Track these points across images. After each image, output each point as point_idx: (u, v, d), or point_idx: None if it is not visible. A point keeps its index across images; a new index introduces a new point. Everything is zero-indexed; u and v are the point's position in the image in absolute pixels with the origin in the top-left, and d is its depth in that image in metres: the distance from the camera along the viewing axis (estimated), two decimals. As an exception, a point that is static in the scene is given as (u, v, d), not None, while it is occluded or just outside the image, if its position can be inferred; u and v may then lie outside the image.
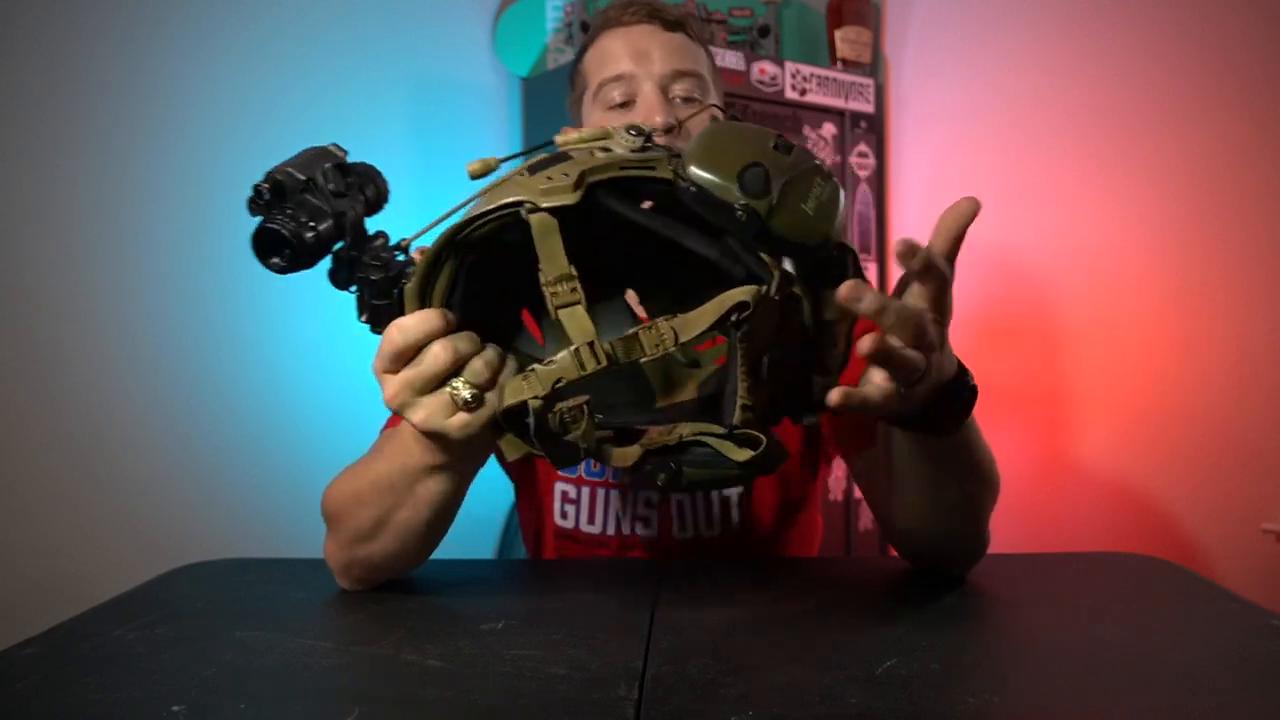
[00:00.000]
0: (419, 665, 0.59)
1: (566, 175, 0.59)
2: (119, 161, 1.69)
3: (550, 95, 2.08)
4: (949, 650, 0.60)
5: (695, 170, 0.56)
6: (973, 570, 0.80)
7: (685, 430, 0.63)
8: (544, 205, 0.58)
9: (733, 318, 0.56)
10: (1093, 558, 0.90)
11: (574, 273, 0.58)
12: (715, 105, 0.96)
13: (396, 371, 0.62)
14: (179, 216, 1.72)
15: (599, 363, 0.56)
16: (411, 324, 0.61)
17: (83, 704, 0.54)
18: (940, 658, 0.59)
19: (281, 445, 1.83)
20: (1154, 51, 1.82)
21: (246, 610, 0.72)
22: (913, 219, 2.33)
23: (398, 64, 2.05)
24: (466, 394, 0.61)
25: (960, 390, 0.64)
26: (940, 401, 0.63)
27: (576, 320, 0.57)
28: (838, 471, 2.17)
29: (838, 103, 2.25)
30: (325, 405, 1.82)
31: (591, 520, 0.98)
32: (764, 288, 0.57)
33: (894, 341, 0.55)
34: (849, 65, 2.30)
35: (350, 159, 0.68)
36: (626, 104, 0.93)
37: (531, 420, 0.57)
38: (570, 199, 0.58)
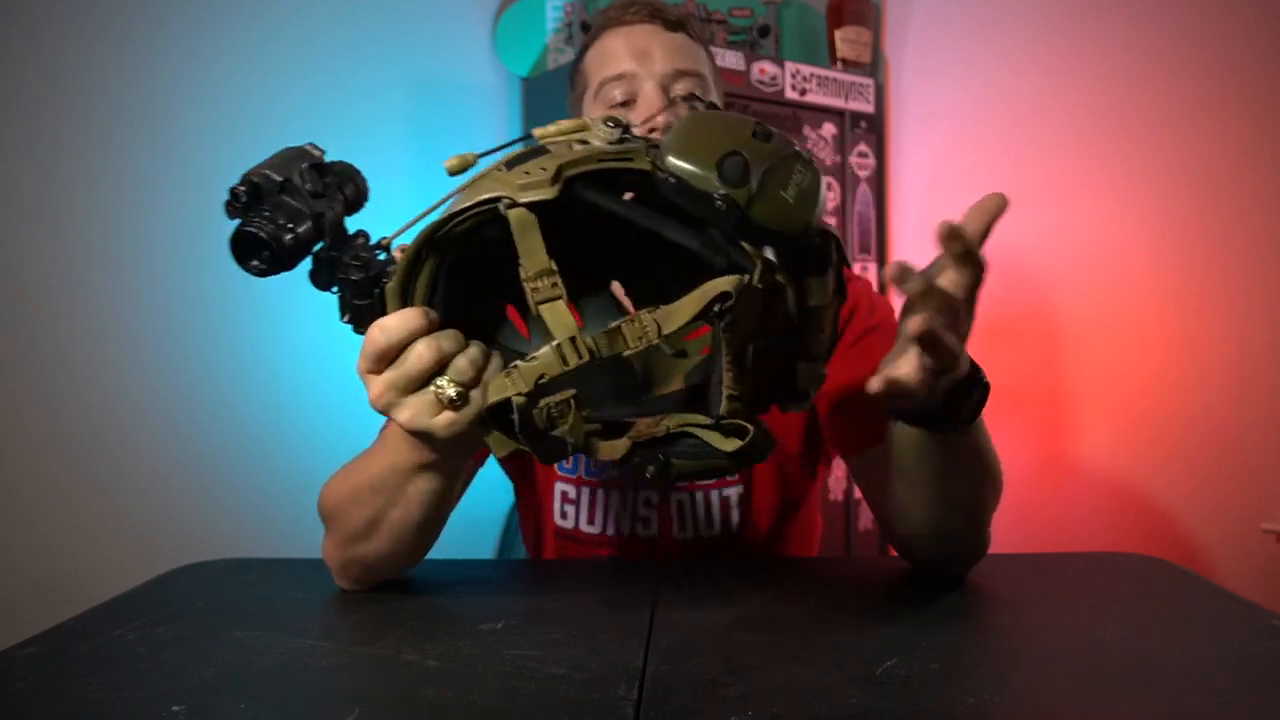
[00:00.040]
0: (419, 665, 0.59)
1: (544, 169, 0.58)
2: (119, 161, 1.69)
3: (550, 95, 2.08)
4: (949, 650, 0.60)
5: (673, 160, 0.55)
6: (973, 570, 0.80)
7: (672, 422, 0.62)
8: (522, 200, 0.57)
9: (715, 308, 0.56)
10: (1093, 558, 0.90)
11: (554, 267, 0.57)
12: (714, 104, 0.96)
13: (380, 372, 0.62)
14: (179, 216, 1.72)
15: (581, 357, 0.56)
16: (393, 323, 0.61)
17: (83, 704, 0.54)
18: (940, 658, 0.59)
19: (281, 445, 1.82)
20: (1154, 51, 1.82)
21: (246, 610, 0.72)
22: (913, 219, 2.33)
23: (398, 64, 2.05)
24: (451, 392, 0.61)
25: (974, 386, 0.64)
26: (956, 397, 0.63)
27: (558, 315, 0.57)
28: (838, 471, 2.17)
29: (838, 103, 2.25)
30: (325, 405, 1.82)
31: (591, 520, 0.98)
32: (746, 277, 0.56)
33: (939, 325, 0.55)
34: (849, 65, 2.30)
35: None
36: (628, 103, 0.93)
37: (515, 417, 0.57)
38: (548, 193, 0.57)
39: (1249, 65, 1.67)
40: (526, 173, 0.58)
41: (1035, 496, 1.96)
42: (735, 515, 0.97)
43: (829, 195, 2.25)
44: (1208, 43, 1.74)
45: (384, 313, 0.62)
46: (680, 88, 0.94)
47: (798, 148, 0.57)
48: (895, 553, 0.88)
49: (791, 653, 0.60)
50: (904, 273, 0.55)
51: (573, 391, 0.58)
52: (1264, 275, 1.66)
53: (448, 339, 0.61)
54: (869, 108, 2.31)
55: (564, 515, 0.99)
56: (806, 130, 2.21)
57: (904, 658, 0.58)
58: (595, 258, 0.74)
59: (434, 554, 0.82)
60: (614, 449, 0.62)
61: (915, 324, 0.54)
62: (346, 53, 1.96)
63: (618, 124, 0.63)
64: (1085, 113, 1.93)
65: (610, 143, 0.62)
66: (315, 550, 0.80)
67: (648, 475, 0.61)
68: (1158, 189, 1.80)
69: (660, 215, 0.61)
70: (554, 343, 0.56)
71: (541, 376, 0.57)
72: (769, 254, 0.58)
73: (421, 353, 0.60)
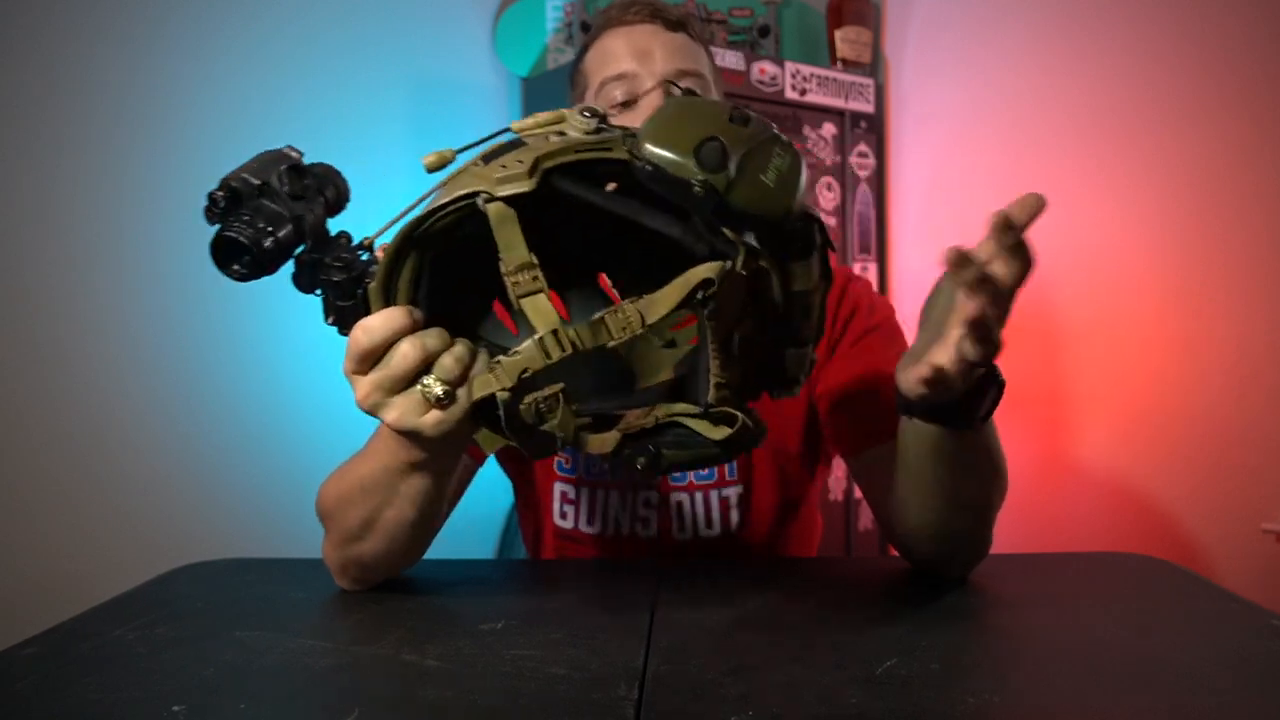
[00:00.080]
0: (419, 665, 0.59)
1: (521, 162, 0.58)
2: (119, 161, 1.69)
3: (550, 95, 2.08)
4: (949, 650, 0.60)
5: (650, 148, 0.54)
6: (973, 570, 0.80)
7: (661, 413, 0.62)
8: (500, 194, 0.57)
9: (698, 295, 0.55)
10: (1093, 558, 0.90)
11: (534, 261, 0.57)
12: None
13: (366, 373, 0.61)
14: (179, 216, 1.71)
15: (564, 350, 0.56)
16: (376, 324, 0.60)
17: (83, 704, 0.54)
18: (940, 658, 0.58)
19: (281, 445, 1.82)
20: (1154, 51, 1.82)
21: (246, 610, 0.72)
22: (913, 219, 2.33)
23: (398, 64, 2.05)
24: (438, 390, 0.60)
25: (991, 383, 0.64)
26: (973, 393, 0.63)
27: (539, 308, 0.57)
28: (838, 471, 2.17)
29: (838, 103, 2.25)
30: (325, 405, 1.81)
31: (591, 520, 0.98)
32: (729, 263, 0.56)
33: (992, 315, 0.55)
34: (849, 65, 2.30)
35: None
36: (629, 103, 0.93)
37: (501, 413, 0.57)
38: (526, 186, 0.57)
39: (1249, 65, 1.68)
40: (504, 166, 0.58)
41: (1035, 496, 1.96)
42: (735, 515, 0.97)
43: (829, 195, 2.25)
44: (1208, 43, 1.74)
45: (368, 313, 0.61)
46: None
47: (776, 131, 0.57)
48: (895, 552, 0.88)
49: (791, 653, 0.60)
50: (962, 258, 0.54)
51: (561, 386, 0.57)
52: (1264, 275, 1.66)
53: (433, 337, 0.61)
54: (869, 108, 2.31)
55: (563, 515, 0.99)
56: (806, 130, 2.21)
57: (904, 658, 0.58)
58: (580, 250, 0.73)
59: (434, 554, 0.82)
60: (604, 442, 0.61)
61: (970, 310, 0.54)
62: (346, 53, 1.96)
63: (595, 114, 0.62)
64: (1085, 113, 1.93)
65: (587, 133, 0.61)
66: (315, 550, 0.80)
67: (638, 467, 0.60)
68: (1158, 189, 1.80)
69: (642, 205, 0.60)
70: (536, 336, 0.56)
71: (525, 371, 0.56)
72: (751, 239, 0.58)
73: (406, 352, 0.60)
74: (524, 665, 0.58)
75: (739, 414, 0.59)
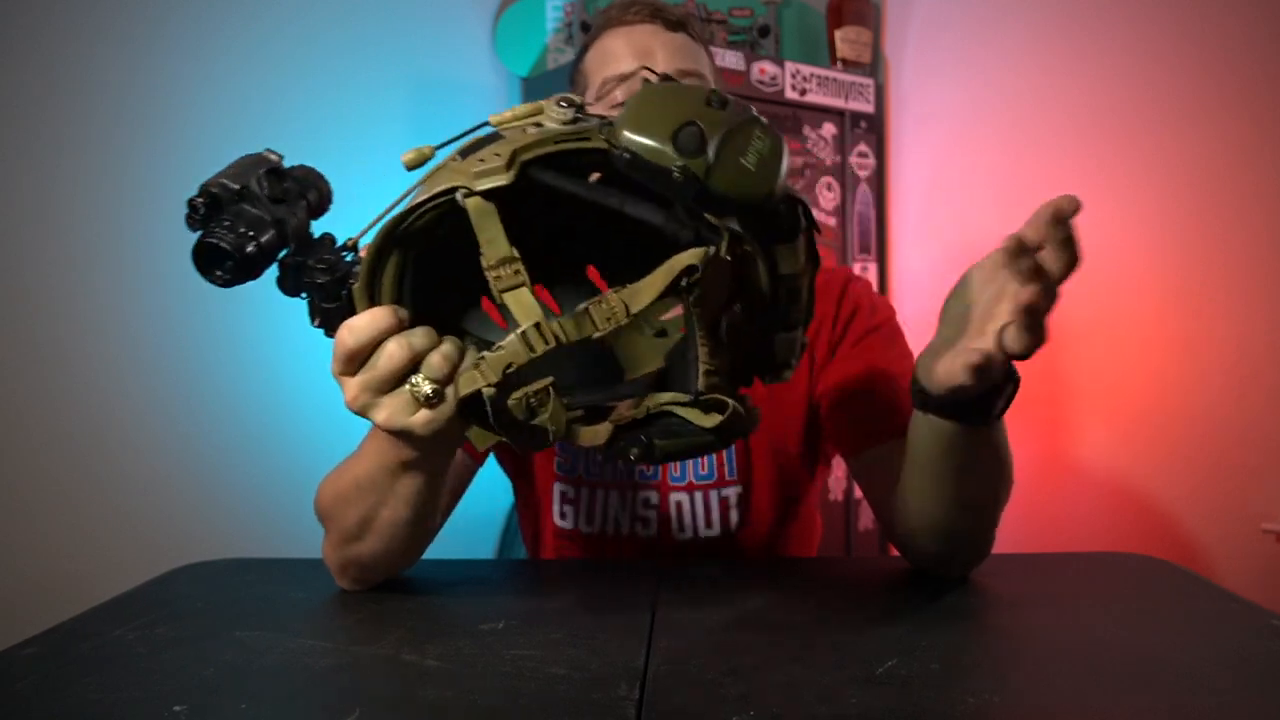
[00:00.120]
0: (419, 665, 0.59)
1: (498, 155, 0.57)
2: (119, 161, 1.69)
3: (550, 95, 2.08)
4: (949, 650, 0.60)
5: (627, 135, 0.54)
6: (973, 570, 0.80)
7: (652, 402, 0.61)
8: (478, 188, 0.56)
9: (683, 282, 0.55)
10: (1093, 558, 0.90)
11: (516, 255, 0.56)
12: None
13: (353, 374, 0.61)
14: (179, 216, 1.70)
15: (548, 343, 0.55)
16: (361, 324, 0.60)
17: (83, 704, 0.54)
18: (940, 658, 0.59)
19: (281, 445, 1.82)
20: (1154, 51, 1.82)
21: (246, 610, 0.72)
22: (913, 219, 2.33)
23: (398, 64, 2.05)
24: (427, 389, 0.60)
25: (1007, 379, 0.65)
26: (992, 389, 0.63)
27: (522, 302, 0.56)
28: (838, 471, 2.17)
29: (838, 103, 2.25)
30: (325, 405, 1.81)
31: (591, 520, 0.98)
32: (712, 249, 0.55)
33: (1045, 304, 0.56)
34: (849, 65, 2.30)
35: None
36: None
37: (488, 408, 0.56)
38: (503, 179, 0.56)
39: (1249, 65, 1.68)
40: (481, 160, 0.57)
41: (1035, 496, 1.96)
42: (734, 515, 0.97)
43: (829, 195, 2.25)
44: (1208, 43, 1.74)
45: (353, 314, 0.61)
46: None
47: (756, 113, 0.56)
48: (895, 552, 0.88)
49: (791, 653, 0.60)
50: (1021, 246, 0.55)
51: (550, 379, 0.57)
52: (1264, 275, 1.66)
53: (419, 336, 0.60)
54: (869, 108, 2.31)
55: (563, 515, 0.99)
56: (806, 130, 2.21)
57: (904, 658, 0.58)
58: (567, 243, 0.73)
59: (434, 554, 0.82)
60: (596, 434, 0.60)
61: (1025, 296, 0.55)
62: (346, 53, 1.96)
63: (571, 104, 0.62)
64: (1085, 113, 1.93)
65: (564, 123, 0.61)
66: (315, 550, 0.80)
67: (632, 458, 0.59)
68: (1158, 189, 1.80)
69: (624, 194, 0.59)
70: (519, 330, 0.56)
71: (509, 366, 0.56)
72: (734, 224, 0.57)
73: (393, 352, 0.59)
74: (524, 665, 0.58)
75: (729, 400, 0.58)
